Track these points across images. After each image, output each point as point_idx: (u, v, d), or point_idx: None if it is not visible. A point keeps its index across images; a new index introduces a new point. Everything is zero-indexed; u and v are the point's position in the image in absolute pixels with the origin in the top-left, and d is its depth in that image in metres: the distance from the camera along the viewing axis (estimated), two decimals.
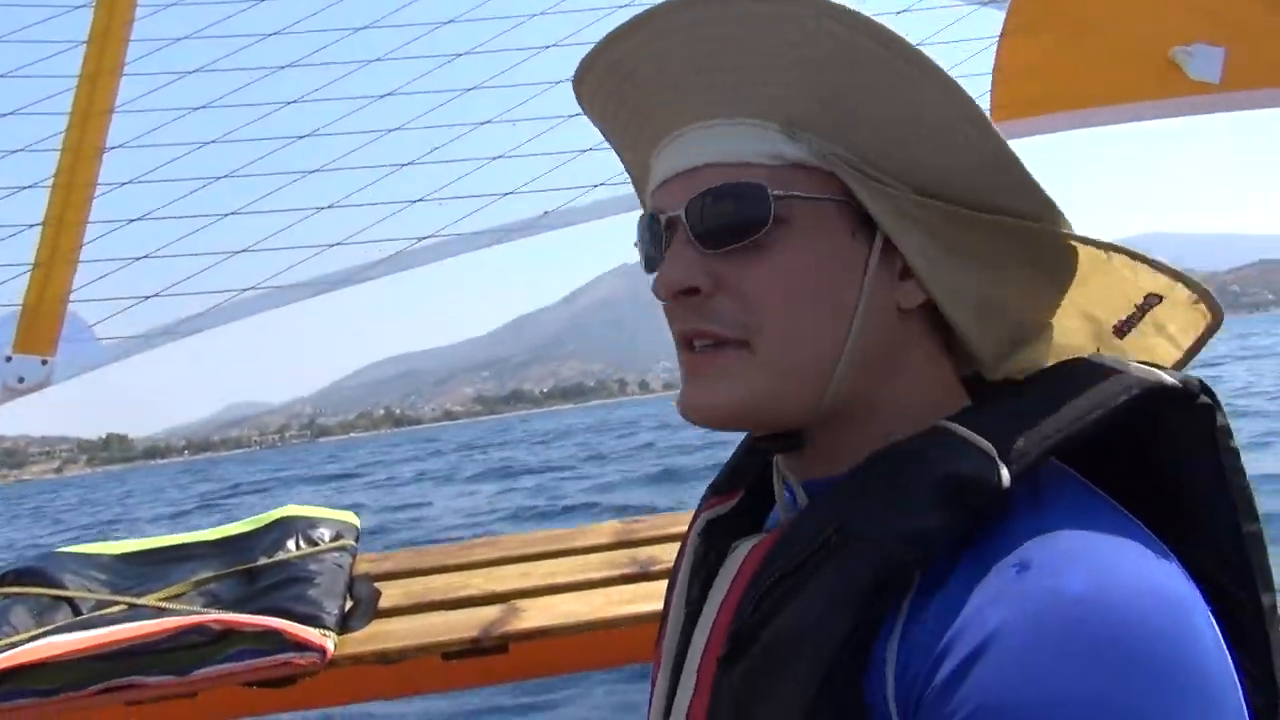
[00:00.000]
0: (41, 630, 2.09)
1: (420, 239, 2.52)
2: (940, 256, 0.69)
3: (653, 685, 0.81)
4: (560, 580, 2.31)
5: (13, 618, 2.10)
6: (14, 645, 1.97)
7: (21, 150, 2.55)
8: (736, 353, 0.69)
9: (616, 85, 0.75)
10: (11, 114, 2.61)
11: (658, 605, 2.13)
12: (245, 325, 2.67)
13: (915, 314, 0.71)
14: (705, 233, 0.69)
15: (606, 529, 2.66)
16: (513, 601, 2.21)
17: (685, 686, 0.73)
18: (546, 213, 2.65)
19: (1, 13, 3.26)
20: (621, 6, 2.74)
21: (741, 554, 0.74)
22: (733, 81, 0.68)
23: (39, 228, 2.38)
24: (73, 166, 2.43)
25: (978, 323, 0.71)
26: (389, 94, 2.82)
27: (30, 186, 2.47)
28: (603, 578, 2.32)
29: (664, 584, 2.29)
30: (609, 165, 2.68)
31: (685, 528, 2.86)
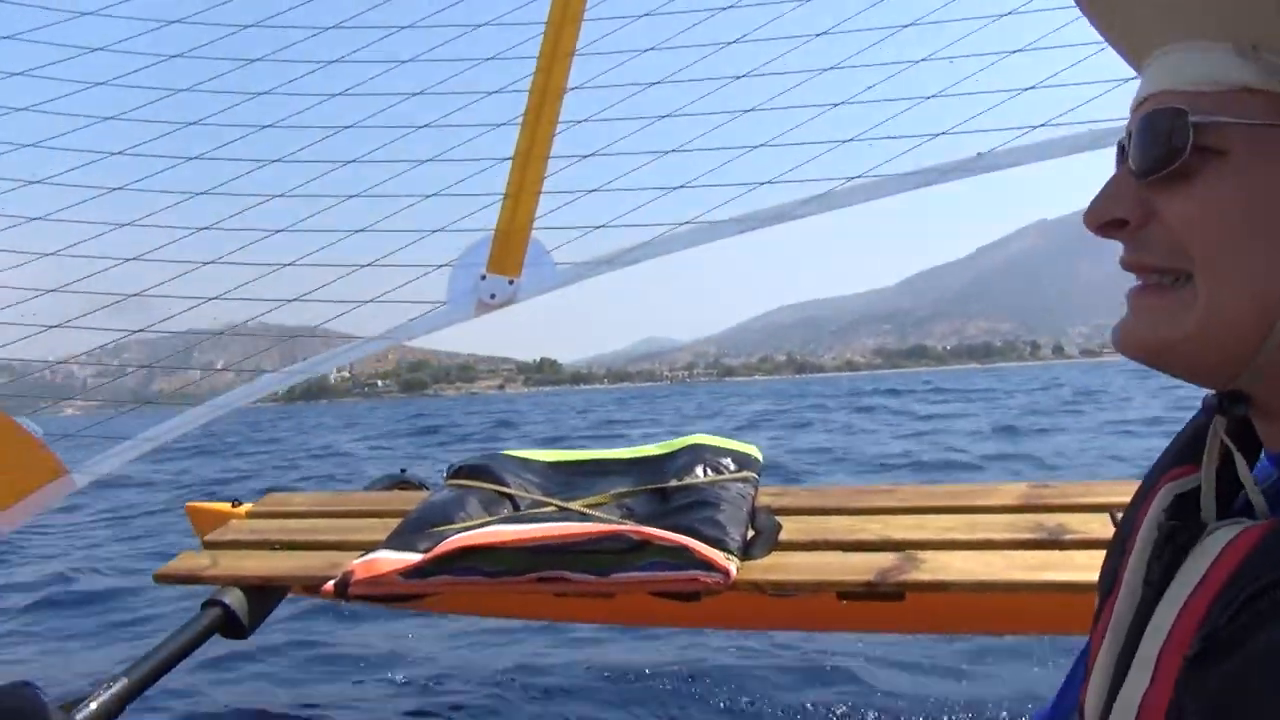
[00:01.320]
0: (490, 520, 2.42)
1: (850, 179, 2.50)
2: None
3: (1091, 660, 0.74)
4: (958, 536, 2.26)
5: (468, 506, 2.48)
6: (469, 529, 2.30)
7: (497, 92, 2.86)
8: (1176, 293, 0.64)
9: (1096, 9, 0.73)
10: (491, 59, 2.93)
11: (1068, 575, 2.05)
12: (661, 266, 2.82)
13: None
14: (1136, 161, 0.65)
15: (1012, 490, 2.54)
16: (909, 551, 2.20)
17: (1139, 674, 0.65)
18: (980, 154, 2.52)
19: None
20: None
21: (1219, 542, 0.64)
22: (1189, 2, 0.63)
23: (509, 162, 2.67)
24: (539, 106, 2.69)
25: None
26: (824, 33, 2.81)
27: (503, 124, 2.77)
28: (1005, 540, 2.24)
29: (1074, 555, 2.16)
30: (1050, 104, 2.49)
31: (1100, 499, 2.66)
